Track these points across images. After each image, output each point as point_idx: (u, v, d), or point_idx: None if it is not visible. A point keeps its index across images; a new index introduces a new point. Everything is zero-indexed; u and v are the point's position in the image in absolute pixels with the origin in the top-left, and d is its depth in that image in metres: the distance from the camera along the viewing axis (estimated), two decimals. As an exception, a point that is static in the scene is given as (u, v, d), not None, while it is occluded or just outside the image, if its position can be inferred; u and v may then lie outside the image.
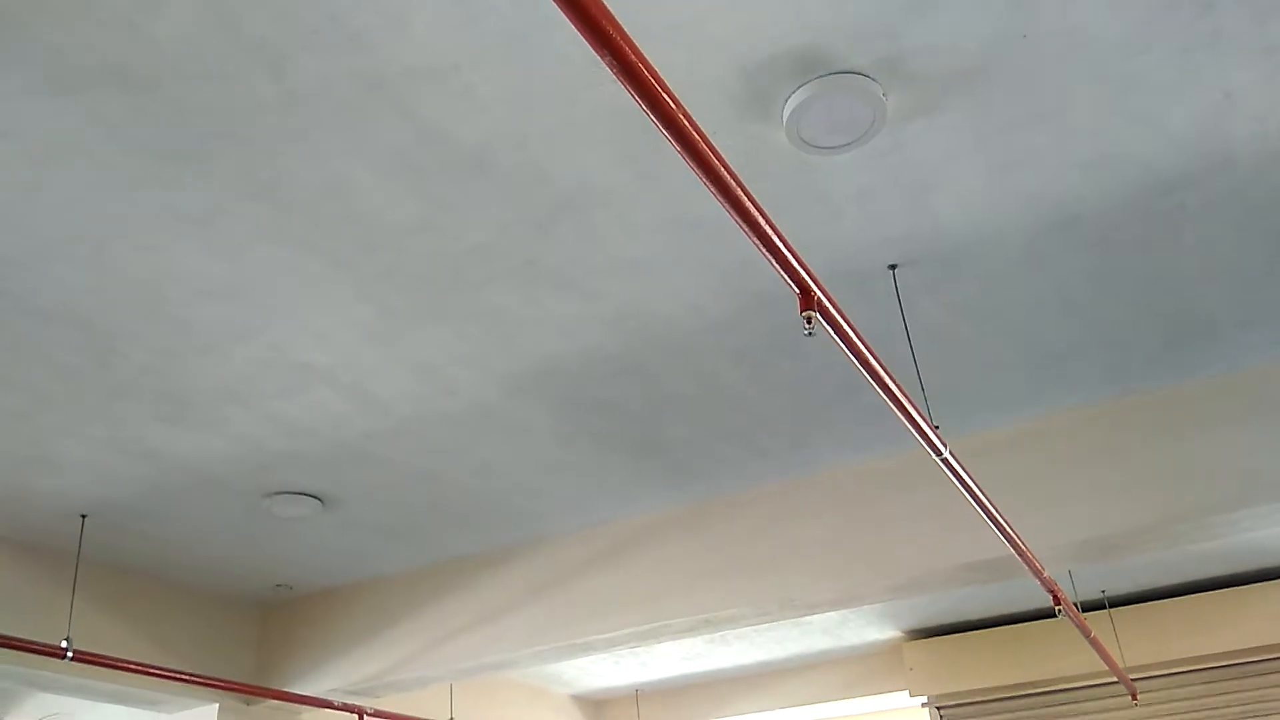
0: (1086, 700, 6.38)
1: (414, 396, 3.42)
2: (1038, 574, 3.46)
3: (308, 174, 2.37)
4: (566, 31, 2.01)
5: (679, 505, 4.54)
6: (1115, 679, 6.35)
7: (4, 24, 1.91)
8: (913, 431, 2.54)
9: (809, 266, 1.90)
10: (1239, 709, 6.00)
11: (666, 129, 1.43)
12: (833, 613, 6.28)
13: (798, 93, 2.20)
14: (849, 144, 2.35)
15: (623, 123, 2.28)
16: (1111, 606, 6.31)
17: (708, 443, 3.93)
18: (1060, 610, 3.84)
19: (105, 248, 2.58)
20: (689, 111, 1.40)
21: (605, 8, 1.21)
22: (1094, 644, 4.60)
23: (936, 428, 2.66)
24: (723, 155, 1.55)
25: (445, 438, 3.72)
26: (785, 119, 2.26)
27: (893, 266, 2.88)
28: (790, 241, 2.71)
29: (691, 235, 2.69)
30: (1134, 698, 5.90)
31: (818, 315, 1.92)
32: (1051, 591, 3.72)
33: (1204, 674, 6.13)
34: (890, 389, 2.33)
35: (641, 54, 1.30)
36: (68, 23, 1.92)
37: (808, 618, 5.88)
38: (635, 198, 2.53)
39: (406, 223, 2.57)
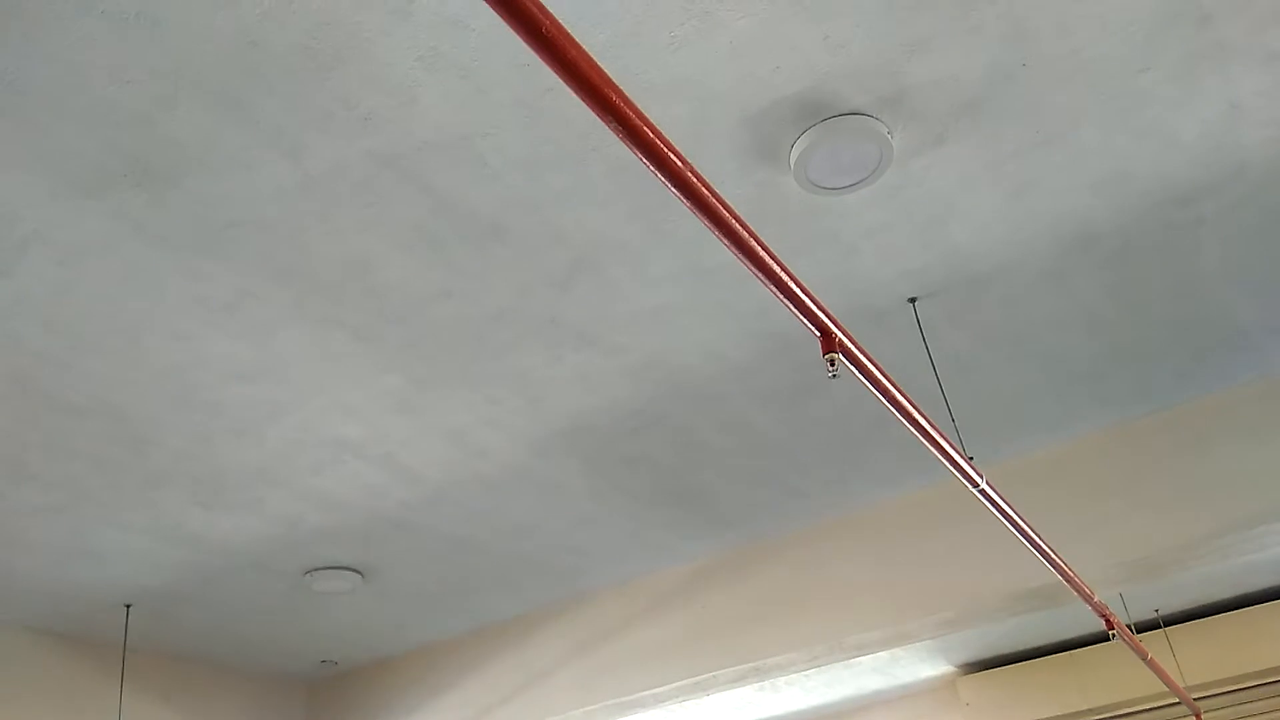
0: (1150, 723, 6.22)
1: (446, 463, 3.44)
2: (1088, 599, 3.40)
3: (328, 253, 2.41)
4: (571, 96, 2.05)
5: (718, 553, 4.51)
6: (1177, 699, 6.19)
7: (28, 129, 1.96)
8: (947, 465, 2.52)
9: (827, 308, 1.91)
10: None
11: (674, 186, 1.45)
12: (883, 652, 6.18)
13: (803, 137, 2.22)
14: (858, 183, 2.36)
15: (632, 179, 2.31)
16: (1166, 625, 6.17)
17: (741, 488, 3.92)
18: (1114, 634, 3.77)
19: (136, 340, 2.62)
20: (695, 167, 1.42)
21: (605, 75, 1.24)
22: (1152, 666, 4.49)
23: (971, 459, 2.64)
24: (732, 206, 1.57)
25: (480, 501, 3.73)
26: (793, 163, 2.28)
27: (912, 299, 2.88)
28: (807, 283, 2.73)
29: (708, 283, 2.71)
30: (1198, 717, 5.75)
31: (840, 357, 1.92)
32: (1104, 616, 3.65)
33: (1268, 687, 5.97)
34: (920, 424, 2.32)
35: (644, 117, 1.32)
36: (89, 125, 1.97)
37: (858, 659, 5.78)
38: (649, 250, 2.55)
39: (427, 292, 2.60)
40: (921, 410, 2.35)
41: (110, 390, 2.81)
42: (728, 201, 2.40)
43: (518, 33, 1.13)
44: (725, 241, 1.60)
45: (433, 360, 2.88)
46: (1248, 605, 6.04)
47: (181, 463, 3.22)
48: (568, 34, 1.17)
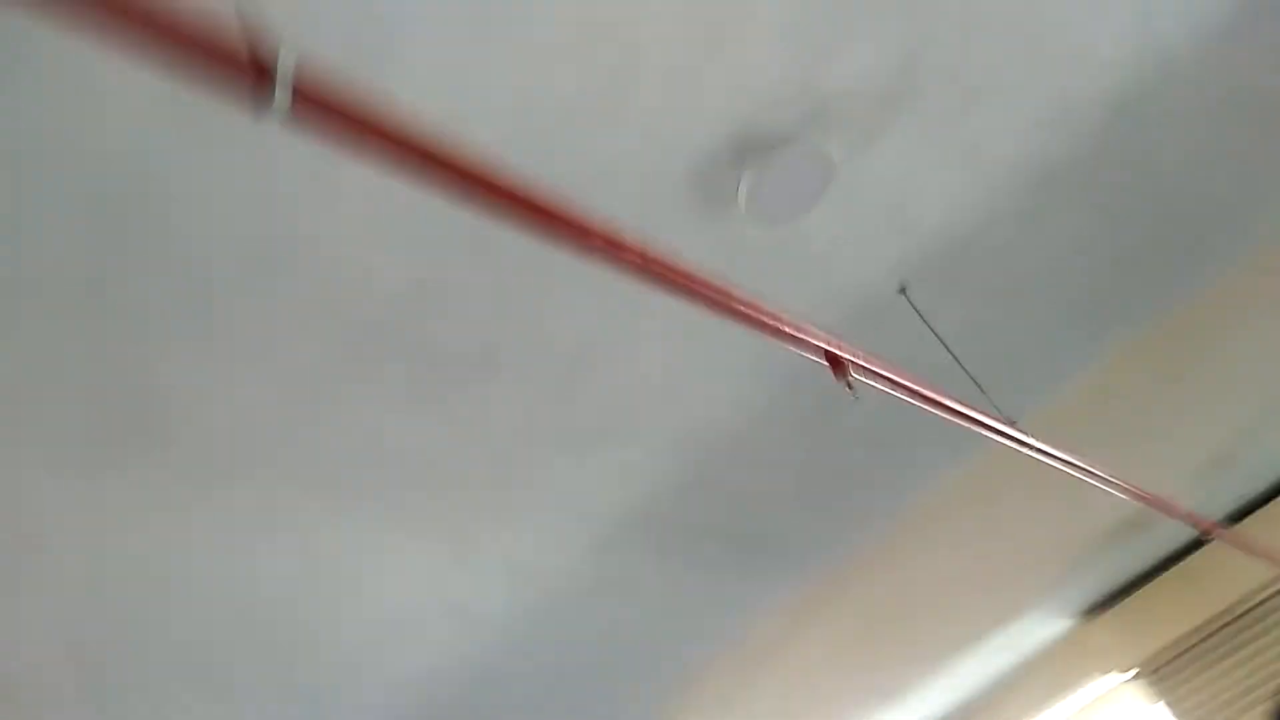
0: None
1: (517, 600, 3.41)
2: (1173, 513, 3.35)
3: (334, 441, 2.42)
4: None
5: (807, 588, 4.44)
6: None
7: (13, 409, 1.99)
8: (991, 435, 2.50)
9: (824, 333, 1.91)
10: None
11: (639, 276, 1.46)
12: (1004, 626, 6.06)
13: (745, 179, 2.24)
14: (812, 201, 2.38)
15: (598, 274, 2.33)
16: (1262, 505, 6.06)
17: (803, 520, 3.88)
18: (1211, 537, 3.70)
19: (189, 578, 2.63)
20: (652, 240, 1.43)
21: (548, 203, 1.25)
22: (1259, 553, 4.41)
23: (1013, 420, 2.62)
24: (698, 271, 1.58)
25: (560, 626, 3.70)
26: (744, 206, 2.30)
27: (903, 289, 2.88)
28: (797, 309, 2.72)
29: (706, 342, 2.72)
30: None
31: (853, 375, 1.92)
32: (1193, 523, 3.59)
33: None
34: (952, 407, 2.30)
35: (593, 228, 1.34)
36: (74, 395, 2.00)
37: (980, 644, 5.66)
38: (638, 335, 2.57)
39: (438, 446, 2.61)
40: (948, 392, 2.34)
41: (179, 629, 2.81)
42: (694, 265, 2.43)
43: (455, 187, 1.15)
44: (703, 306, 1.61)
45: (469, 506, 2.88)
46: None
47: (264, 686, 3.20)
48: (493, 176, 1.19)
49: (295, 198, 1.85)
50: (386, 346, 2.24)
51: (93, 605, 2.55)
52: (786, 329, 1.78)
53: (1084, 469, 2.82)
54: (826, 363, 1.86)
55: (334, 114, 1.00)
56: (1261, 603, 6.06)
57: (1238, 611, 6.12)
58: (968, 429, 3.76)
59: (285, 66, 0.95)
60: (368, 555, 2.87)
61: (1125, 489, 3.03)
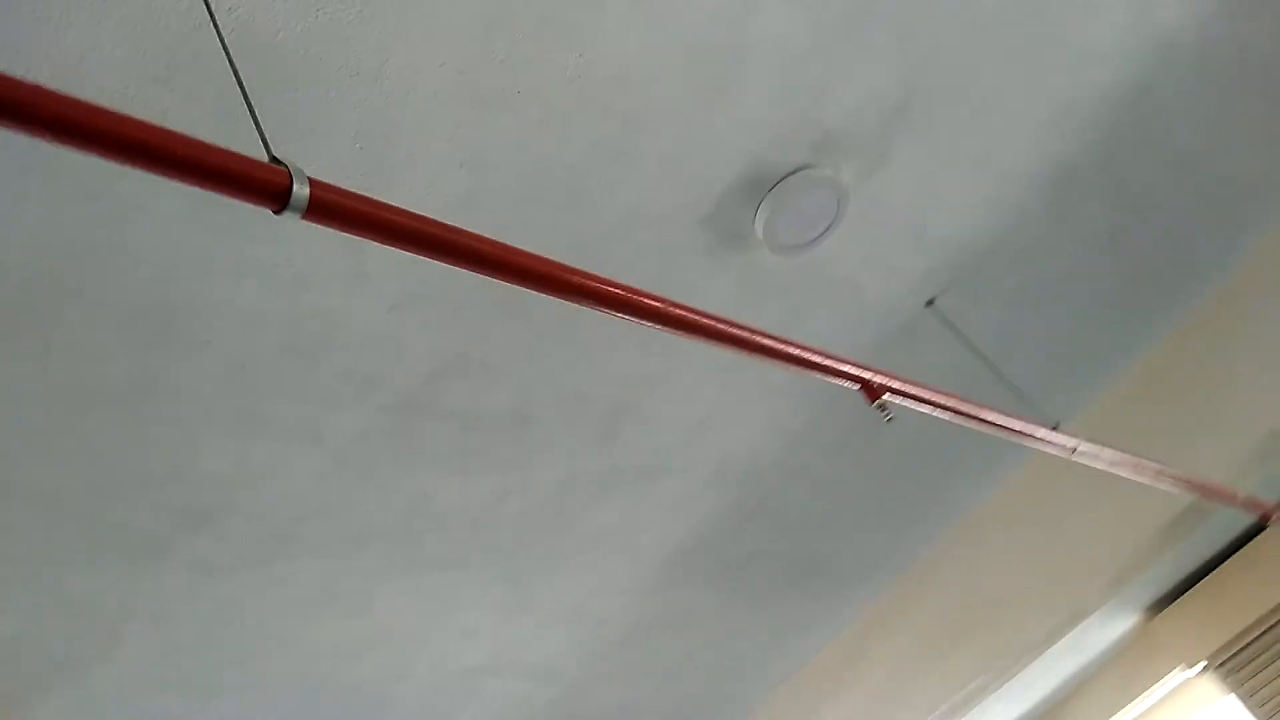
0: (1358, 583, 5.91)
1: (576, 644, 3.43)
2: (1232, 501, 3.30)
3: (386, 507, 2.46)
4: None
5: (866, 611, 4.41)
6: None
7: (80, 521, 2.05)
8: (1035, 443, 2.48)
9: (850, 361, 1.92)
10: None
11: (664, 326, 1.49)
12: (1070, 629, 5.96)
13: (760, 211, 2.27)
14: (830, 228, 2.39)
15: (628, 325, 2.35)
16: (1326, 481, 5.92)
17: (855, 540, 3.86)
18: (1271, 522, 3.63)
19: (252, 664, 2.67)
20: (674, 300, 1.46)
21: (567, 269, 1.28)
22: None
23: (1057, 425, 2.60)
24: (723, 317, 1.60)
25: (620, 667, 3.70)
26: (762, 238, 2.32)
27: (930, 302, 2.88)
28: (826, 335, 2.75)
29: (741, 374, 2.73)
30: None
31: (888, 398, 1.92)
32: (1256, 509, 3.53)
33: None
34: (991, 420, 2.30)
35: (611, 283, 1.36)
36: (130, 499, 2.06)
37: (1046, 651, 5.57)
38: (672, 372, 2.59)
39: (488, 498, 2.64)
40: (987, 405, 2.33)
41: (248, 712, 2.85)
42: (717, 297, 2.45)
43: (469, 269, 1.18)
44: (729, 348, 1.63)
45: (521, 557, 2.90)
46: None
47: (336, 752, 3.23)
48: (506, 251, 1.22)
49: (322, 280, 1.89)
50: (425, 412, 2.28)
51: (160, 679, 2.60)
52: (814, 359, 1.79)
53: (1133, 466, 2.79)
54: (860, 389, 1.87)
55: (345, 207, 1.04)
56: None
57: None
58: (1012, 440, 3.74)
59: (298, 168, 1.00)
60: (427, 615, 2.90)
61: (1178, 480, 2.98)
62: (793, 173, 2.24)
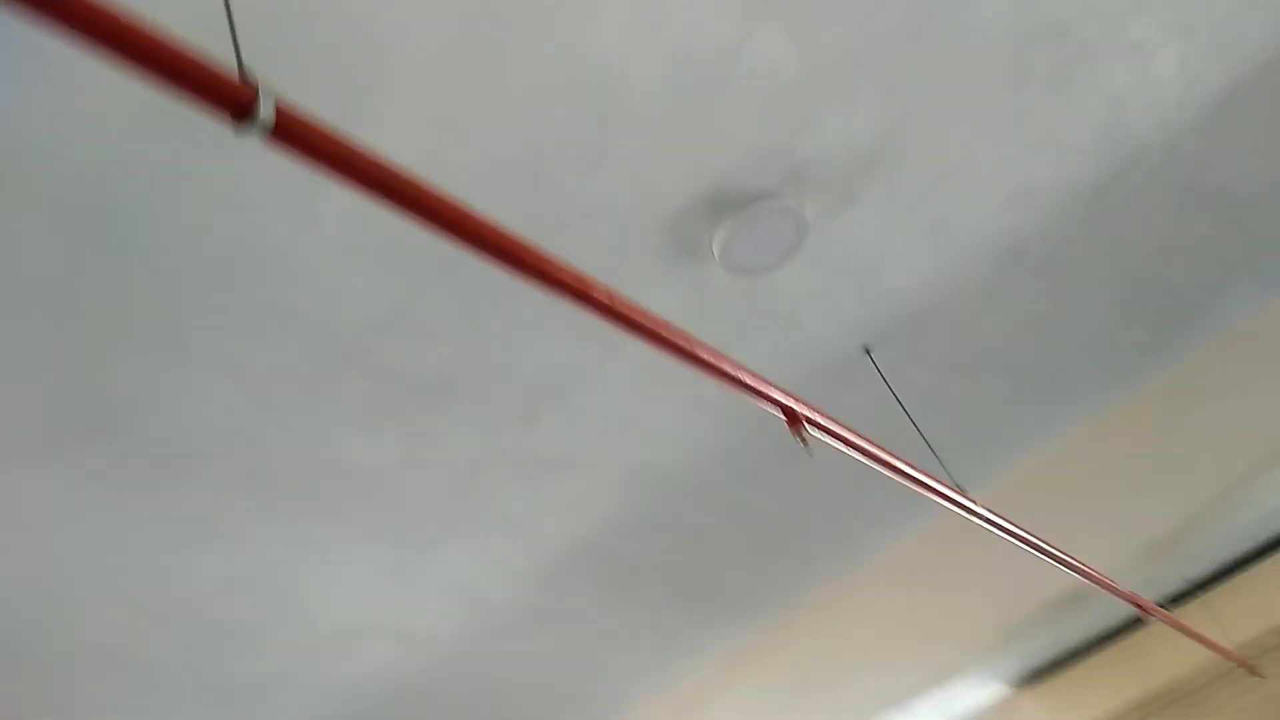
0: (1214, 691, 6.14)
1: (456, 620, 3.40)
2: (1113, 590, 3.41)
3: (288, 450, 2.42)
4: (490, 248, 2.09)
5: (744, 639, 4.46)
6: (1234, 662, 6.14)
7: (-29, 414, 1.97)
8: (941, 501, 2.54)
9: (782, 387, 1.94)
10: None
11: (607, 318, 1.48)
12: (934, 689, 6.10)
13: (720, 230, 2.28)
14: (784, 258, 2.42)
15: (569, 312, 2.35)
16: (1201, 590, 6.15)
17: (748, 568, 3.90)
18: (1150, 618, 3.76)
19: (119, 578, 2.60)
20: (622, 295, 1.46)
21: (515, 241, 1.28)
22: (1194, 636, 4.48)
23: (962, 489, 2.66)
24: (665, 321, 1.60)
25: (496, 649, 3.68)
26: (717, 255, 2.33)
27: (867, 350, 2.92)
28: (761, 360, 2.77)
29: (668, 385, 2.74)
30: (1255, 674, 5.70)
31: (807, 429, 1.95)
32: (1134, 603, 3.65)
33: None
34: (903, 470, 2.34)
35: (560, 266, 1.36)
36: (29, 387, 1.99)
37: (913, 703, 5.69)
38: (603, 367, 2.59)
39: (395, 462, 2.61)
40: (900, 456, 2.38)
41: (105, 630, 2.77)
42: (662, 307, 2.46)
43: (424, 226, 1.17)
44: (667, 353, 1.64)
45: (417, 525, 2.87)
46: (1273, 550, 6.03)
47: (192, 687, 3.16)
48: (466, 214, 1.21)
49: (271, 212, 1.86)
50: (350, 363, 2.24)
51: (19, 593, 2.51)
52: (746, 380, 1.81)
53: (1031, 542, 2.87)
54: (783, 416, 1.89)
55: (311, 136, 1.02)
56: (1198, 687, 6.14)
57: (1172, 694, 6.19)
58: (919, 492, 3.81)
59: (269, 85, 0.97)
60: (309, 564, 2.85)
61: (1070, 564, 3.07)
62: (758, 198, 2.26)
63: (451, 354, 2.33)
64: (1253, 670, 5.56)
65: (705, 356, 1.71)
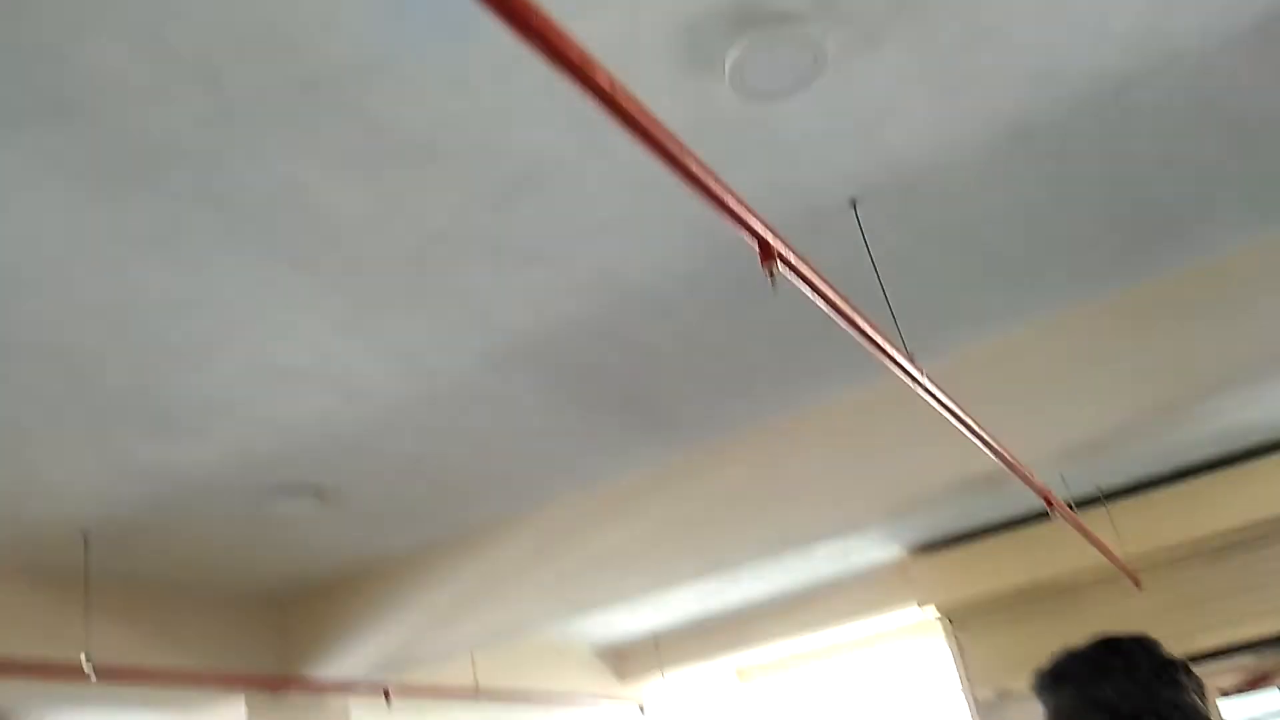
0: (1093, 593, 6.51)
1: (397, 383, 3.44)
2: (1028, 481, 3.53)
3: (257, 180, 2.36)
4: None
5: (673, 457, 4.58)
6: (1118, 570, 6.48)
7: (-69, 71, 1.89)
8: (888, 363, 2.57)
9: (765, 218, 1.91)
10: (1241, 582, 6.13)
11: (604, 106, 1.44)
12: (837, 540, 6.38)
13: (737, 45, 2.19)
14: (795, 89, 2.34)
15: (566, 94, 2.27)
16: (1107, 500, 6.42)
17: (692, 394, 3.97)
18: (1054, 512, 3.92)
19: (67, 276, 2.57)
20: (628, 79, 1.41)
21: (531, 6, 1.21)
22: (1091, 539, 4.70)
23: (912, 357, 2.69)
24: (664, 122, 1.56)
25: (433, 419, 3.75)
26: (728, 72, 2.25)
27: (853, 202, 2.89)
28: (748, 191, 2.73)
29: (649, 195, 2.70)
30: (1137, 585, 6.03)
31: (779, 266, 1.94)
32: (1044, 496, 3.79)
33: (1205, 556, 6.25)
34: (861, 326, 2.36)
35: (569, 40, 1.30)
36: (-5, 61, 1.90)
37: (814, 548, 5.95)
38: (588, 165, 2.53)
39: (363, 215, 2.56)
40: (863, 312, 2.39)
41: (46, 329, 2.77)
42: (662, 116, 2.38)
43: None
44: (656, 156, 1.60)
45: (374, 283, 2.86)
46: (1186, 477, 6.28)
47: (127, 396, 3.19)
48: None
49: (278, -84, 1.74)
50: (333, 100, 2.16)
51: (-31, 269, 2.48)
52: (729, 203, 1.78)
53: (963, 420, 2.94)
54: (758, 248, 1.87)
55: None
56: (1078, 585, 6.50)
57: (1053, 587, 6.56)
58: (869, 355, 3.87)
59: None
60: (261, 300, 2.84)
61: (995, 448, 3.17)
62: (784, 19, 2.16)
63: (437, 114, 2.26)
64: (1136, 581, 5.88)
65: (694, 169, 1.67)
